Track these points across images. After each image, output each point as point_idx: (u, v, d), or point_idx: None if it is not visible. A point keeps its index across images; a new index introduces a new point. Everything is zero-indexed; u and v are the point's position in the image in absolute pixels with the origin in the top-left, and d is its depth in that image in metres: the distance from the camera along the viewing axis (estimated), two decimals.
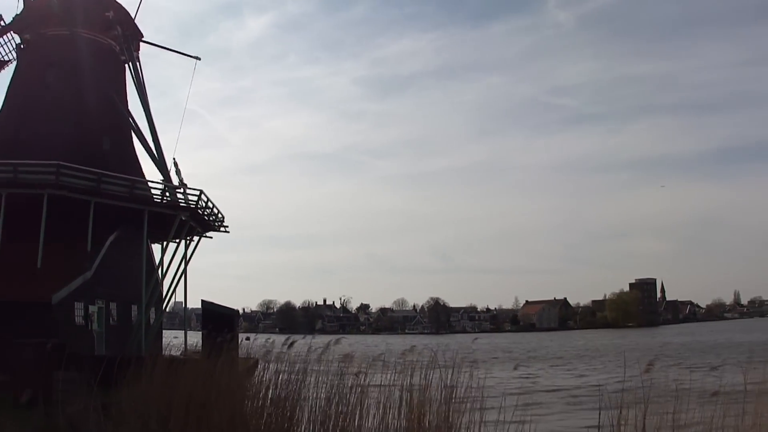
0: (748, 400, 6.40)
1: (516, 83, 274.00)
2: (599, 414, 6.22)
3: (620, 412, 6.04)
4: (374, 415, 8.63)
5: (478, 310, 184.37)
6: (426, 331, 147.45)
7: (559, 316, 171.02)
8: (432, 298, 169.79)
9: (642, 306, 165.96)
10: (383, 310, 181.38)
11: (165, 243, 29.85)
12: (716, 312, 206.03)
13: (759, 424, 5.95)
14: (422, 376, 8.48)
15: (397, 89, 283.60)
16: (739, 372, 7.72)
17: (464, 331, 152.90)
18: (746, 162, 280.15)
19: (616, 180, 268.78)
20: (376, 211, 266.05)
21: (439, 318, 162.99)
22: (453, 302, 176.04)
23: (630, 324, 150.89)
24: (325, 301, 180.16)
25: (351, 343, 14.95)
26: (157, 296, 28.53)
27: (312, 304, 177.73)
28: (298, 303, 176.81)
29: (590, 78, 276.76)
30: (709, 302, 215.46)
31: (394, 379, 8.74)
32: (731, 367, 9.32)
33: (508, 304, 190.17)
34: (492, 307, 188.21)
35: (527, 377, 27.96)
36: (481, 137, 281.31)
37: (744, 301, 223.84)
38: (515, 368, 28.48)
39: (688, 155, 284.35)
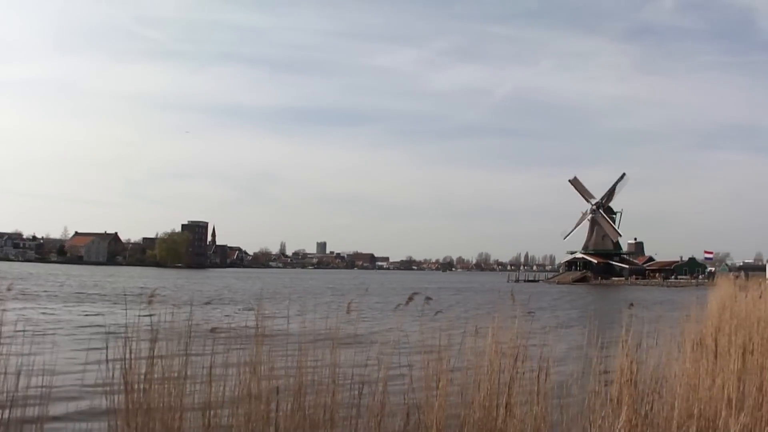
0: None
1: (98, 2, 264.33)
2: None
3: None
4: None
5: (24, 237, 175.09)
6: None
7: (108, 250, 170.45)
8: None
9: (192, 248, 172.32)
10: None
11: None
12: (262, 260, 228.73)
13: None
14: None
15: None
16: None
17: (7, 259, 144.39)
18: (308, 122, 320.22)
19: (189, 121, 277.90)
20: None
21: None
22: None
23: (179, 264, 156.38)
24: None
25: None
26: None
27: None
28: None
29: (181, 15, 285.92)
30: (257, 250, 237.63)
31: None
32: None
33: (56, 234, 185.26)
34: (39, 235, 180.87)
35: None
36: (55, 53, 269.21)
37: (289, 252, 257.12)
38: None
39: (262, 109, 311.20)
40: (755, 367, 7.10)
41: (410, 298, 6.64)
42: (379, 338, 6.56)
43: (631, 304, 8.02)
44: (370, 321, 20.92)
